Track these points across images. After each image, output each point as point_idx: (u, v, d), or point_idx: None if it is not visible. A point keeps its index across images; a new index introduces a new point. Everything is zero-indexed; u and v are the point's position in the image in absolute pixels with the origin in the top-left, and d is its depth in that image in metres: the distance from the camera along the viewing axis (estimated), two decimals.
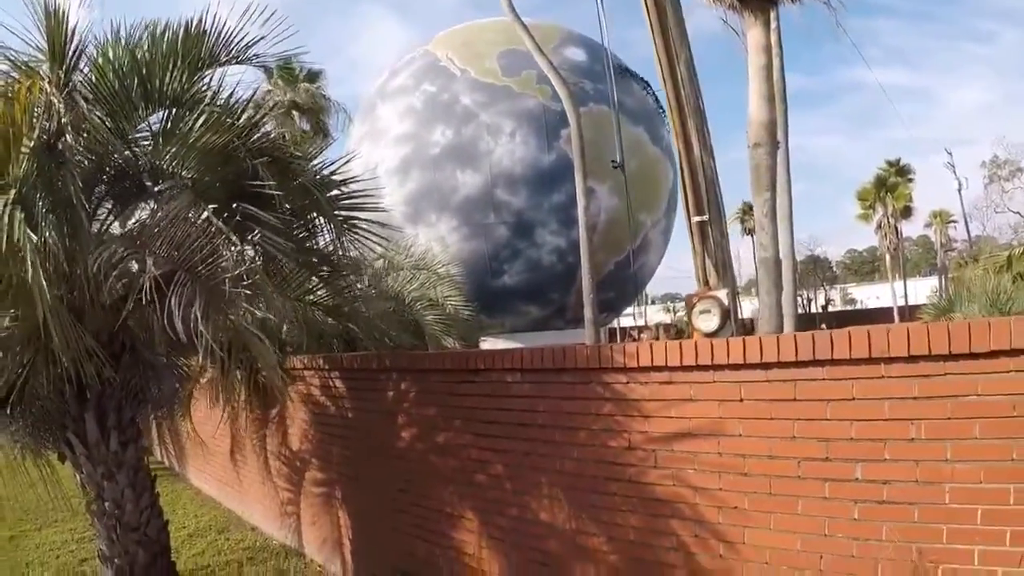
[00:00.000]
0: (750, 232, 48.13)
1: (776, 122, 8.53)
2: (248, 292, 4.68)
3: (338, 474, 6.98)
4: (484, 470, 5.15)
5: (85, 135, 4.93)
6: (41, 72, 4.96)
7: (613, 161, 17.83)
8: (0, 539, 8.77)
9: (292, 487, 7.73)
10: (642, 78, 22.03)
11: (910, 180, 51.43)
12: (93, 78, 5.17)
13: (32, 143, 4.32)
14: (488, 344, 17.02)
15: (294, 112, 23.00)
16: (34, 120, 4.41)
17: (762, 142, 7.76)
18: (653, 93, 21.58)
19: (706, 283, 7.60)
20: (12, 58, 5.04)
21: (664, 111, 19.68)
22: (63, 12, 4.92)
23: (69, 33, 4.98)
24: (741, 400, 3.66)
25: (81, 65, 5.12)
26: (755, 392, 3.61)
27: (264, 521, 8.59)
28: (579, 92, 17.40)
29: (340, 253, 6.08)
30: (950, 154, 53.65)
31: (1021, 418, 2.85)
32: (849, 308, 69.02)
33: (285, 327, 7.94)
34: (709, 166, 7.95)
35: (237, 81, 5.61)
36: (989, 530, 2.91)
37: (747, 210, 47.16)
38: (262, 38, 5.42)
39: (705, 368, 3.79)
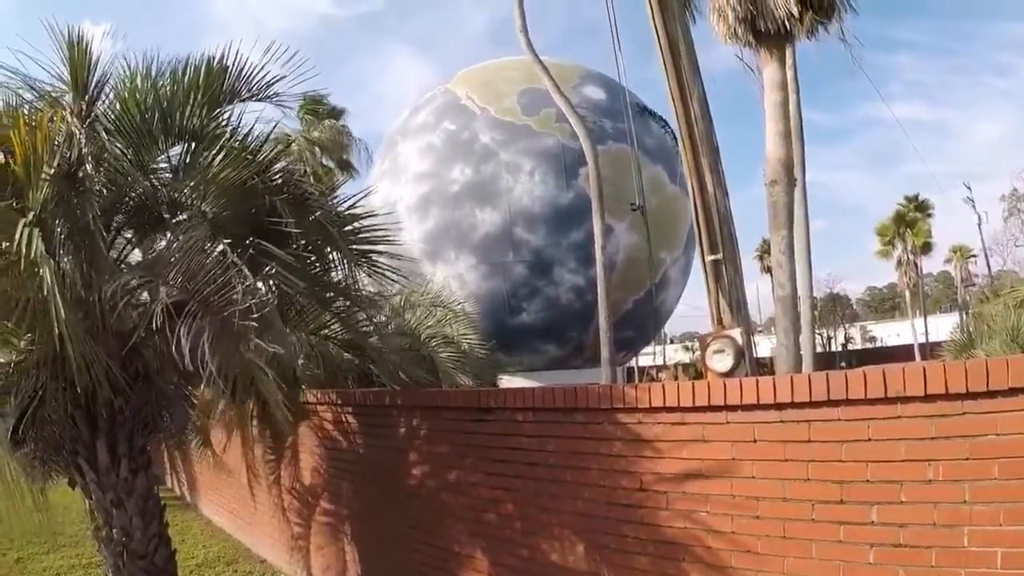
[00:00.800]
0: (768, 270, 47.94)
1: (793, 159, 8.55)
2: (257, 326, 4.68)
3: (348, 509, 6.93)
4: (494, 509, 5.09)
5: (105, 165, 5.02)
6: (64, 102, 5.07)
7: (632, 204, 17.86)
8: (7, 561, 8.75)
9: (302, 520, 7.68)
10: (660, 116, 22.19)
11: (929, 215, 51.26)
12: (115, 109, 5.28)
13: (52, 171, 4.38)
14: (505, 382, 16.95)
15: (316, 148, 23.24)
16: (55, 148, 4.48)
17: (779, 179, 7.77)
18: (671, 131, 21.70)
19: (720, 322, 7.53)
20: (36, 88, 5.16)
21: None
22: (87, 44, 5.04)
23: (92, 65, 5.11)
24: (755, 441, 3.60)
25: (103, 97, 5.23)
26: (769, 433, 3.55)
27: (273, 554, 8.52)
28: (598, 130, 17.54)
29: (356, 288, 6.09)
30: (969, 188, 53.15)
31: None
32: (869, 346, 68.28)
33: (301, 361, 7.95)
34: (723, 204, 7.93)
35: (256, 117, 5.69)
36: (1009, 573, 2.82)
37: (765, 248, 47.06)
38: (283, 77, 5.51)
39: (718, 409, 3.74)
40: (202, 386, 5.83)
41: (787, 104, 8.43)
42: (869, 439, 3.21)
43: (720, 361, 6.37)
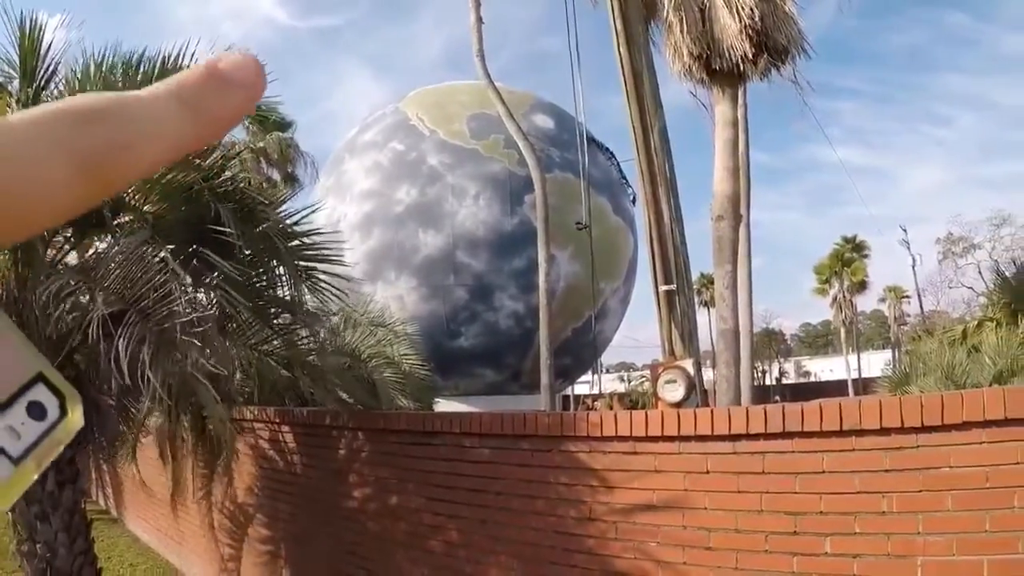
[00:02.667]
0: (707, 304, 48.81)
1: (739, 195, 8.68)
2: (197, 341, 4.50)
3: (284, 532, 6.71)
4: (438, 536, 4.97)
5: None
6: (10, 88, 4.85)
7: (578, 223, 17.95)
8: None
9: (234, 542, 7.40)
10: (607, 148, 22.43)
11: (865, 256, 53.07)
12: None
13: None
14: (442, 406, 16.77)
15: (261, 159, 22.83)
16: None
17: (725, 215, 7.87)
18: (617, 164, 21.99)
19: (672, 353, 7.58)
20: None
21: (627, 182, 19.99)
22: (40, 30, 4.84)
23: (43, 52, 4.89)
24: (707, 472, 3.58)
25: (51, 86, 5.01)
26: (722, 464, 3.54)
27: (203, 574, 8.20)
28: (545, 159, 17.63)
29: (298, 304, 5.95)
30: (905, 231, 55.45)
31: (993, 489, 2.81)
32: (803, 380, 69.80)
33: (238, 376, 7.72)
34: (678, 235, 8.01)
35: None
36: None
37: (705, 282, 47.91)
38: None
39: (671, 439, 3.72)
40: (140, 398, 5.58)
41: (737, 142, 8.58)
42: (823, 471, 3.22)
43: (672, 391, 6.39)
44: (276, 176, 23.45)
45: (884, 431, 3.06)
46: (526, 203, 19.22)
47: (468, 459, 4.78)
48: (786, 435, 3.33)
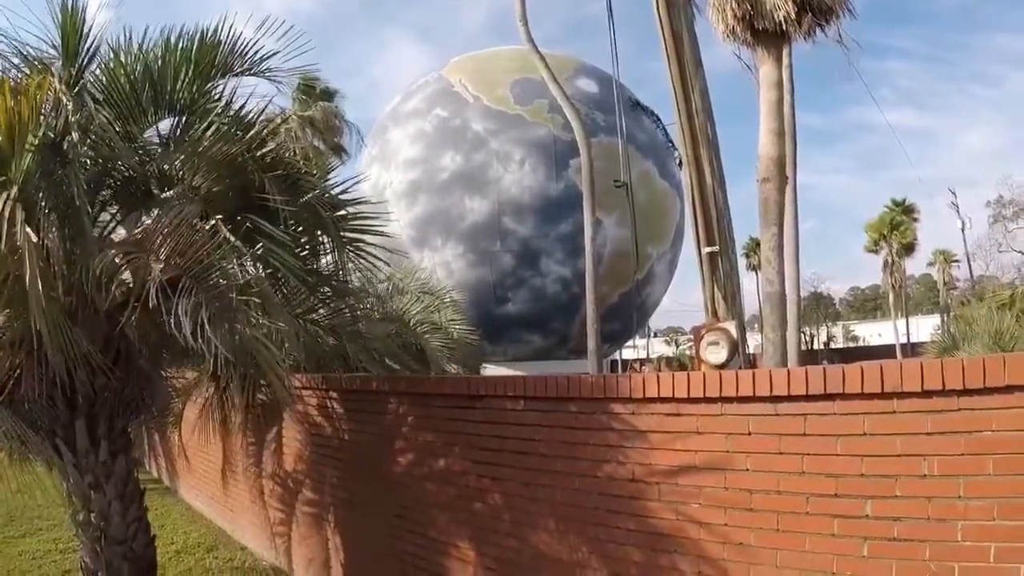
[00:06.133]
0: (754, 268, 48.22)
1: (785, 158, 8.52)
2: (256, 301, 4.60)
3: (332, 497, 6.87)
4: (482, 499, 5.04)
5: (93, 136, 4.90)
6: (54, 69, 4.96)
7: (616, 180, 17.80)
8: None
9: (284, 508, 7.61)
10: (653, 112, 22.15)
11: (915, 219, 51.88)
12: (104, 79, 5.17)
13: (37, 140, 4.27)
14: (489, 372, 16.91)
15: (307, 129, 23.00)
16: (41, 117, 4.37)
17: (771, 177, 7.74)
18: (663, 127, 21.72)
19: (715, 314, 7.51)
20: (26, 53, 5.04)
21: (674, 145, 19.78)
22: (80, 10, 4.93)
23: (84, 32, 5.00)
24: (749, 434, 3.56)
25: (93, 65, 5.12)
26: (764, 426, 3.52)
27: (254, 541, 8.45)
28: (590, 123, 17.47)
29: (344, 273, 6.03)
30: (954, 194, 53.91)
31: None
32: (851, 345, 68.74)
33: (286, 344, 7.87)
34: (720, 197, 7.90)
35: (250, 93, 5.60)
36: (1002, 568, 2.81)
37: (752, 246, 47.30)
38: (277, 52, 5.43)
39: (713, 400, 3.70)
40: (191, 369, 5.73)
41: (782, 103, 8.40)
42: (864, 433, 3.19)
43: (714, 353, 6.34)
44: (322, 146, 23.58)
45: (926, 393, 3.01)
46: (571, 168, 19.14)
47: (513, 422, 4.81)
48: (827, 397, 3.30)
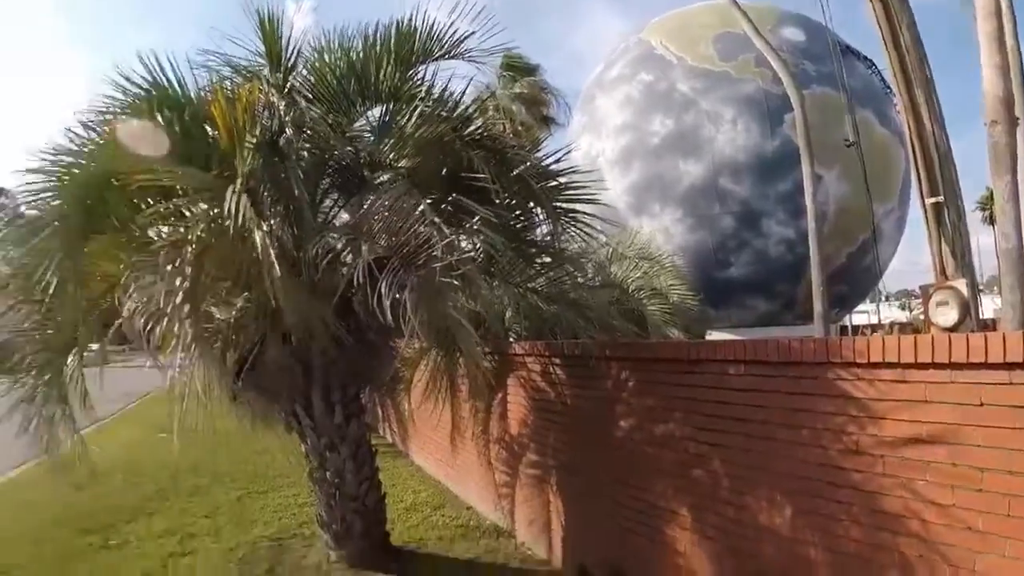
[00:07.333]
0: (991, 221, 43.61)
1: (1013, 95, 7.53)
2: (457, 282, 4.78)
3: (554, 460, 7.03)
4: (701, 465, 4.94)
5: (307, 132, 5.33)
6: (261, 75, 5.45)
7: (845, 139, 16.70)
8: (230, 499, 9.64)
9: (508, 470, 7.88)
10: (866, 56, 20.56)
11: None
12: (311, 79, 5.61)
13: (255, 140, 4.69)
14: (713, 338, 16.56)
15: (515, 105, 23.48)
16: (256, 118, 4.80)
17: (999, 119, 6.86)
18: (878, 72, 20.10)
19: (943, 272, 6.83)
20: (235, 65, 5.61)
21: (891, 90, 18.31)
22: (279, 19, 5.41)
23: (286, 38, 5.46)
24: (981, 405, 3.17)
25: (299, 67, 5.59)
26: (997, 396, 3.10)
27: (480, 502, 8.82)
28: (800, 74, 16.49)
29: (559, 243, 6.11)
30: None
31: None
32: None
33: (508, 314, 8.13)
34: (942, 141, 7.13)
35: (450, 75, 5.81)
36: None
37: (988, 197, 42.81)
38: (472, 33, 5.58)
39: (941, 367, 3.32)
40: (404, 339, 6.08)
41: (1003, 35, 7.40)
42: None
43: (943, 315, 5.75)
44: (531, 119, 23.96)
45: None
46: (786, 123, 18.19)
47: (732, 387, 4.66)
48: None
